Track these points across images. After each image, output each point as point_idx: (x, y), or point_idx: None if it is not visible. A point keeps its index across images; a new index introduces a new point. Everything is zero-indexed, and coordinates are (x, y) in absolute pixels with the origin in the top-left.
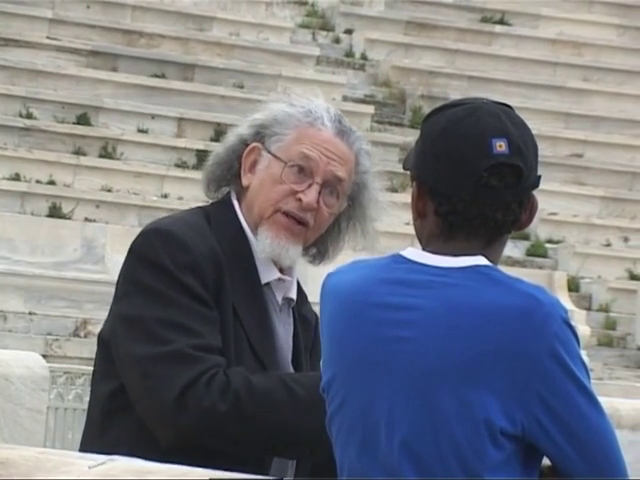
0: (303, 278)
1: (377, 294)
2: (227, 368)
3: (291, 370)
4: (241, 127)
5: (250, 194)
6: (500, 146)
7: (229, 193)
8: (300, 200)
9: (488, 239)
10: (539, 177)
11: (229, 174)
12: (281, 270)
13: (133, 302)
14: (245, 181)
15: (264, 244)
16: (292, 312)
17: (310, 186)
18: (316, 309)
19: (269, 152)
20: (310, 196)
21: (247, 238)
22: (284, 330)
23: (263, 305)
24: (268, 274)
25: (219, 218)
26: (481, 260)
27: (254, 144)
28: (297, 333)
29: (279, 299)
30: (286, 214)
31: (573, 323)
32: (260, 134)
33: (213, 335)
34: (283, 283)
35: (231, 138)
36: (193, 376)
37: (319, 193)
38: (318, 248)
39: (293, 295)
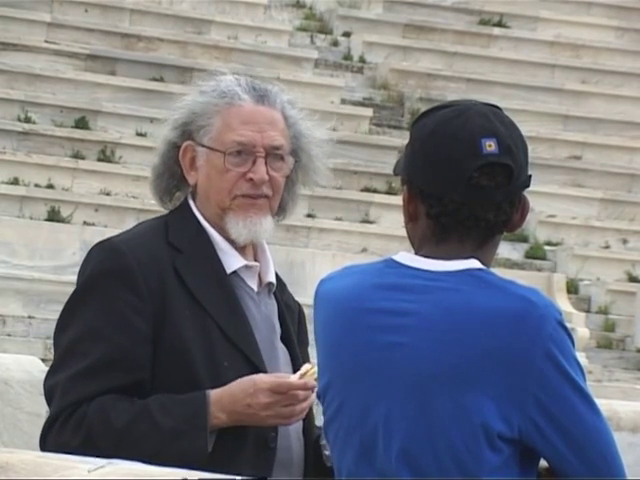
0: (302, 281)
1: (371, 299)
2: (99, 396)
3: (277, 350)
4: (166, 132)
5: (200, 190)
6: (490, 146)
7: (187, 197)
8: (251, 179)
9: (480, 240)
10: (530, 176)
11: (174, 180)
12: (255, 256)
13: (60, 319)
14: (191, 180)
15: (238, 229)
16: (275, 297)
17: (255, 162)
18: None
19: (203, 146)
20: (259, 171)
21: (206, 233)
22: (265, 313)
23: (231, 293)
24: (233, 263)
25: (177, 220)
26: (474, 263)
27: (185, 143)
28: (282, 314)
29: (252, 285)
30: (243, 196)
31: (569, 325)
32: (186, 132)
33: (111, 349)
34: (252, 269)
35: (161, 146)
36: (56, 412)
37: (265, 164)
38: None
39: (272, 279)
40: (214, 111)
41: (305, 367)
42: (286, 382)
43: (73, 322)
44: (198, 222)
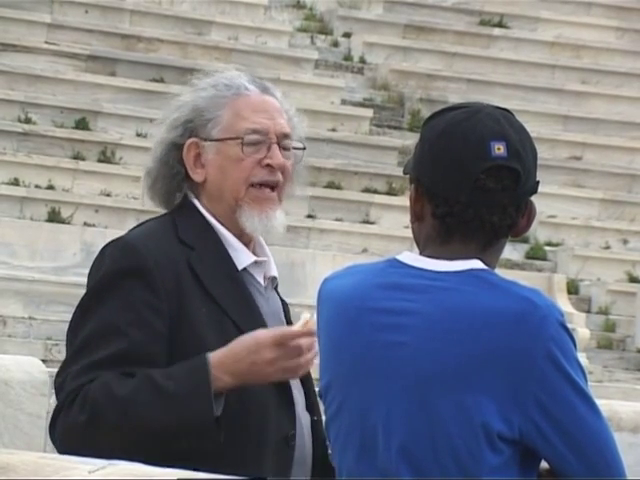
0: (302, 281)
1: (373, 299)
2: (106, 377)
3: None
4: (163, 133)
5: (211, 185)
6: (498, 149)
7: (186, 195)
8: (268, 165)
9: (485, 243)
10: (537, 182)
11: (175, 181)
12: (253, 250)
13: (74, 318)
14: (197, 177)
15: (252, 222)
16: (276, 291)
17: (270, 148)
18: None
19: (211, 140)
20: (276, 156)
21: (214, 230)
22: (274, 308)
23: (244, 289)
24: (243, 259)
25: (184, 219)
26: (477, 264)
27: (189, 141)
28: (286, 308)
29: (261, 280)
30: (259, 184)
31: (570, 326)
32: (188, 129)
33: (126, 344)
34: (260, 264)
35: (158, 149)
36: (63, 398)
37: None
38: None
39: (275, 273)
40: (222, 103)
41: (304, 317)
42: (288, 332)
43: (89, 320)
44: (204, 219)
